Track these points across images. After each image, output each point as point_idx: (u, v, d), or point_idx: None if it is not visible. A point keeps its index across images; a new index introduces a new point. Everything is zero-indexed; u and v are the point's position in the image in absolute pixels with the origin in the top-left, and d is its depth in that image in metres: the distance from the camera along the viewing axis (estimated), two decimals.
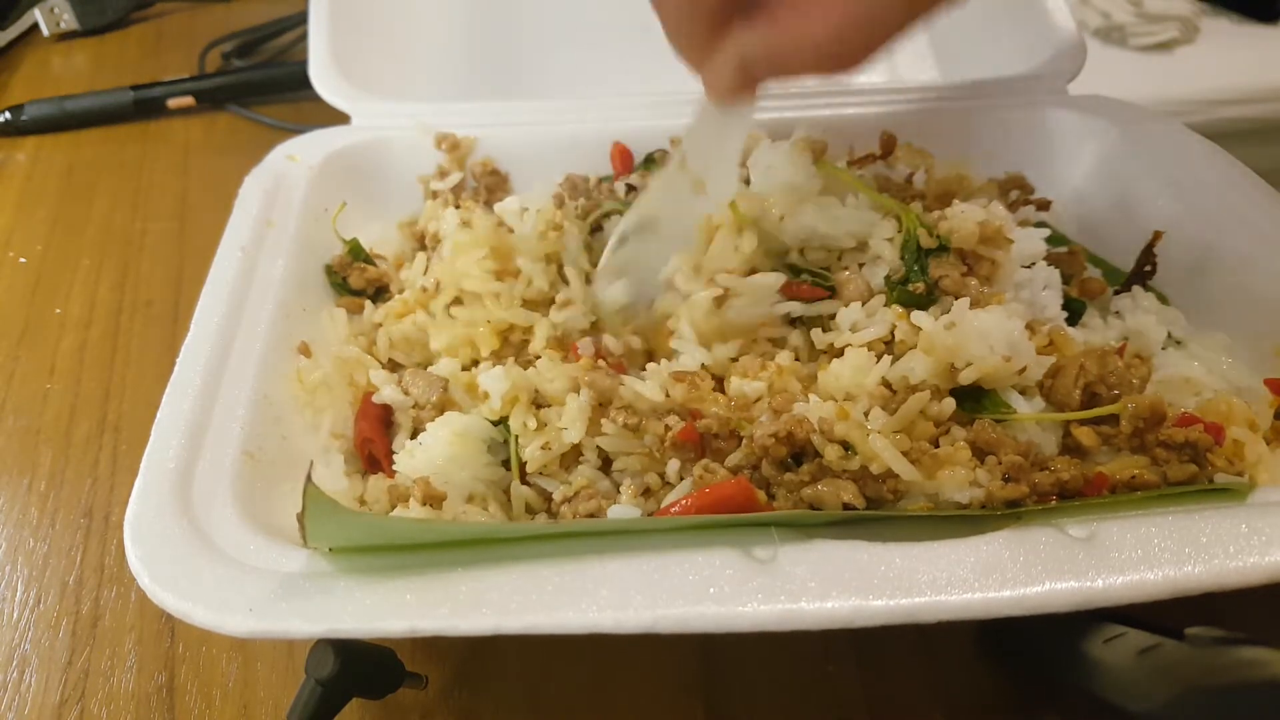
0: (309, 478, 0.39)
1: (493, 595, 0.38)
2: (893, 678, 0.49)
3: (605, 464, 0.53)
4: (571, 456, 0.53)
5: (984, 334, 0.50)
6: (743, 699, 0.49)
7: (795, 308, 0.57)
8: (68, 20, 1.15)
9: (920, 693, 0.49)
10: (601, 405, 0.52)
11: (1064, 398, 0.51)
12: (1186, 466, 0.47)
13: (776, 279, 0.56)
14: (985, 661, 0.49)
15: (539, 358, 0.56)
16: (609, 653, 0.50)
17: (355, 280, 0.65)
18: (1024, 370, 0.50)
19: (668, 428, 0.50)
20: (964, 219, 0.55)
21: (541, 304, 0.62)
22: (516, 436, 0.53)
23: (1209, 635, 0.38)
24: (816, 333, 0.56)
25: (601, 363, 0.55)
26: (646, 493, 0.50)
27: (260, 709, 0.49)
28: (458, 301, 0.61)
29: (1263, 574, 0.39)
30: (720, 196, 0.57)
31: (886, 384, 0.51)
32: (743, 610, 0.38)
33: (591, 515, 0.49)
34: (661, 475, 0.50)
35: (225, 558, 0.41)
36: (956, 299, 0.53)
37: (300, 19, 1.08)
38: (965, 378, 0.50)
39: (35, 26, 1.14)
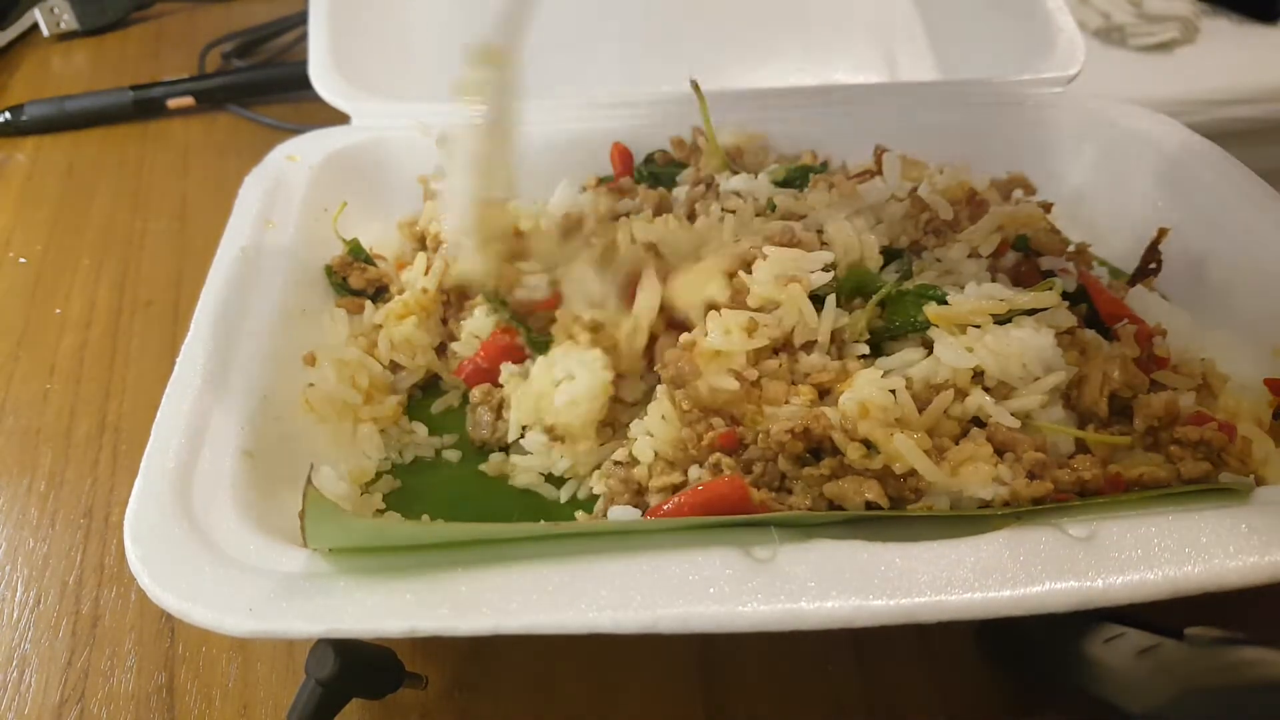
0: (309, 480, 0.39)
1: (492, 595, 0.38)
2: (893, 678, 0.49)
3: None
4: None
5: (1021, 353, 0.49)
6: (743, 699, 0.49)
7: None
8: (68, 20, 1.14)
9: (920, 693, 0.49)
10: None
11: (1090, 406, 0.51)
12: (1200, 464, 0.47)
13: None
14: (985, 661, 0.49)
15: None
16: (609, 653, 0.50)
17: (355, 280, 0.65)
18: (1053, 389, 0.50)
19: (711, 427, 0.50)
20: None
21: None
22: None
23: (1209, 635, 0.38)
24: None
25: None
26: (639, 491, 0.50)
27: (260, 709, 0.49)
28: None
29: (1263, 574, 0.39)
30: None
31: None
32: (742, 610, 0.38)
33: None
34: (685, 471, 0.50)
35: (225, 558, 0.41)
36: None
37: (300, 19, 1.08)
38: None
39: (35, 26, 1.14)
